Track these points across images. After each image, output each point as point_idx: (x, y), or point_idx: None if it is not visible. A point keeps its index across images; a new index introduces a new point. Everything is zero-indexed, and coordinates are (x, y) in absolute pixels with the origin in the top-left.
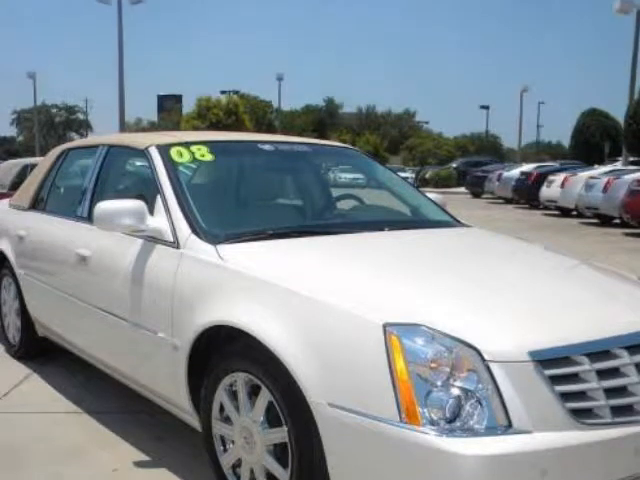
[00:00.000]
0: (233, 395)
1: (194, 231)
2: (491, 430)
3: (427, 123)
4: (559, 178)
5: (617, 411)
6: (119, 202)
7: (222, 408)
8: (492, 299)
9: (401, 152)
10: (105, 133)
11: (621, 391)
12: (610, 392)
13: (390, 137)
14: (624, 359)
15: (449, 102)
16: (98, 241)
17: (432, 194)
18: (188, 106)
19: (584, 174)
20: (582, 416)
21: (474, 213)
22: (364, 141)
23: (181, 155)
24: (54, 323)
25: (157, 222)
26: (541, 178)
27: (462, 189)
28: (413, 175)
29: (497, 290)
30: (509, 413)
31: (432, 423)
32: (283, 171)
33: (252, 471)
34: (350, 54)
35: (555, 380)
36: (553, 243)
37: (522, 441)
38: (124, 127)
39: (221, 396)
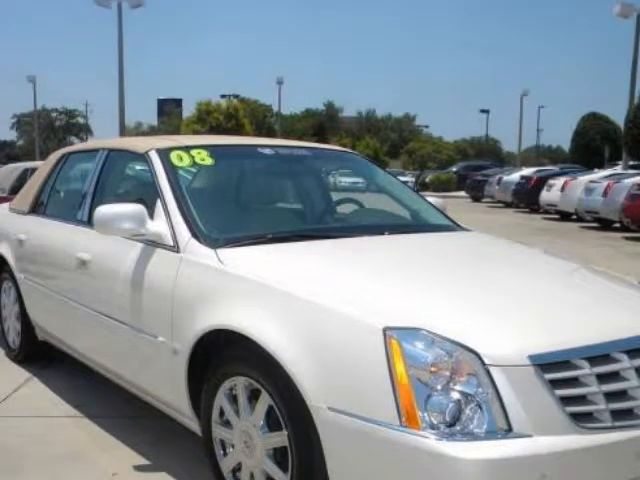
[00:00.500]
0: (233, 399)
1: (194, 235)
2: (491, 434)
3: (427, 127)
4: (559, 182)
5: (617, 415)
6: (119, 206)
7: (222, 412)
8: (492, 303)
9: (401, 156)
10: (105, 137)
11: (621, 395)
12: (610, 396)
13: (390, 141)
14: (624, 363)
15: (449, 106)
16: (98, 245)
17: (432, 198)
18: (188, 110)
19: (584, 178)
20: (582, 420)
21: (474, 217)
22: (364, 145)
23: (181, 159)
24: (54, 327)
25: (157, 226)
26: (541, 182)
27: (462, 193)
28: (413, 179)
29: (497, 294)
30: (509, 417)
31: (432, 427)
32: (283, 175)
33: (252, 475)
34: (350, 58)
35: (555, 384)
36: (553, 247)
37: (522, 445)
38: (124, 131)
39: (221, 400)
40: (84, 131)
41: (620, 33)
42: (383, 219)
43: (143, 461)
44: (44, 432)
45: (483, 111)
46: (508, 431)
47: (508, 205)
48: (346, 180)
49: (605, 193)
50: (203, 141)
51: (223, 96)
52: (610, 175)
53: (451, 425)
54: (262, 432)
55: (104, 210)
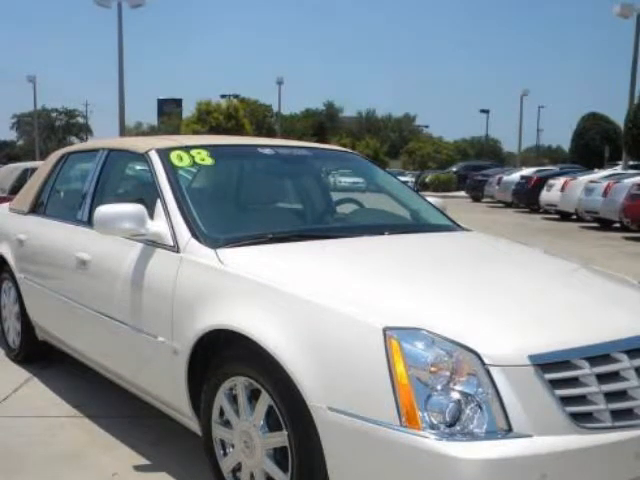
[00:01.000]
0: (233, 399)
1: (194, 235)
2: (491, 434)
3: (427, 127)
4: (559, 182)
5: (617, 415)
6: (119, 206)
7: (222, 412)
8: (492, 303)
9: (401, 156)
10: (105, 137)
11: (621, 395)
12: (610, 396)
13: (390, 141)
14: (624, 363)
15: (449, 106)
16: (98, 245)
17: (432, 198)
18: (188, 110)
19: (584, 178)
20: (582, 420)
21: (474, 217)
22: (364, 145)
23: (181, 159)
24: (54, 327)
25: (157, 226)
26: (541, 182)
27: (462, 193)
28: (413, 179)
29: (497, 294)
30: (509, 417)
31: (432, 427)
32: (283, 175)
33: (252, 475)
34: (350, 58)
35: (555, 384)
36: (553, 247)
37: (522, 445)
38: (124, 131)
39: (221, 400)
40: (84, 131)
41: (620, 33)
42: (383, 219)
43: (143, 461)
44: (44, 432)
45: (483, 111)
46: (508, 431)
47: (508, 205)
48: (346, 180)
49: (605, 193)
50: (203, 141)
51: (223, 96)
52: (610, 175)
53: (451, 425)
54: (262, 432)
55: (104, 210)
